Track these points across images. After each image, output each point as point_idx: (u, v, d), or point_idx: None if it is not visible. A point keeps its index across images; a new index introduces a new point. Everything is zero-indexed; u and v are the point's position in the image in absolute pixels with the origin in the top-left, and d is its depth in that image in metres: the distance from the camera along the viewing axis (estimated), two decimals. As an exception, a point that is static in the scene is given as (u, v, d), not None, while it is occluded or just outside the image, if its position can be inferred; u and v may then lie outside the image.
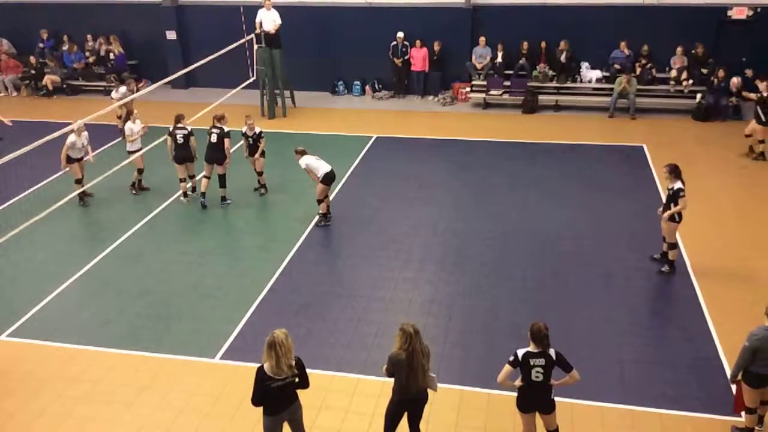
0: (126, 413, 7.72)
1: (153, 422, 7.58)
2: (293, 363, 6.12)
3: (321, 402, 7.71)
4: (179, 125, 12.60)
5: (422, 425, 6.73)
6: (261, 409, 6.35)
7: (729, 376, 6.93)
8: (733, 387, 7.77)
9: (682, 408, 7.52)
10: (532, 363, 6.21)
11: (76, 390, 8.11)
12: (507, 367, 6.29)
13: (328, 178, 11.72)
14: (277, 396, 6.17)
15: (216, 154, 12.50)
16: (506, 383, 6.37)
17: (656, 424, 7.33)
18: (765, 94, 14.12)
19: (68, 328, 9.37)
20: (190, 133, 12.64)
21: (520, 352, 6.25)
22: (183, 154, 12.70)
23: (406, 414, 6.58)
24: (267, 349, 6.03)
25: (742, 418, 7.21)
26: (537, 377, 6.26)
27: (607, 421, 7.37)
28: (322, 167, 11.68)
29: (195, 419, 7.61)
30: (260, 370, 6.12)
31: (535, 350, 6.23)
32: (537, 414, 6.57)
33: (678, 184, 9.80)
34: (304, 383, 6.32)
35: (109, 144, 16.39)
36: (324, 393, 7.84)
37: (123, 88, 16.14)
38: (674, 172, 9.88)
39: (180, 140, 12.58)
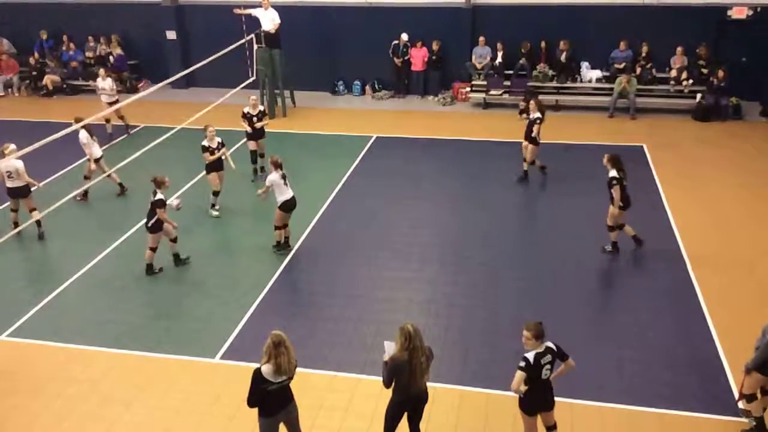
0: (125, 413, 7.73)
1: (152, 422, 7.59)
2: (294, 360, 6.14)
3: (321, 402, 7.71)
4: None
5: (422, 425, 6.73)
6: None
7: (746, 366, 6.90)
8: (734, 388, 7.84)
9: (681, 408, 7.52)
10: (542, 362, 6.22)
11: (75, 390, 8.12)
12: (521, 374, 6.20)
13: (287, 206, 10.85)
14: (274, 398, 6.18)
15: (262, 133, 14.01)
16: (520, 390, 6.31)
17: (656, 424, 7.33)
18: (535, 115, 13.15)
19: (68, 328, 9.38)
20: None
21: (531, 356, 6.21)
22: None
23: (406, 414, 6.58)
24: (273, 348, 6.01)
25: (744, 419, 7.23)
26: (546, 374, 6.27)
27: (606, 421, 7.37)
28: (285, 193, 10.78)
29: (194, 419, 7.61)
30: (257, 372, 6.11)
31: (541, 349, 6.23)
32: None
33: (612, 173, 10.25)
34: None
35: (109, 144, 16.39)
36: (324, 393, 7.84)
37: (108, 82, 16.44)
38: (611, 161, 10.36)
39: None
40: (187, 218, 12.66)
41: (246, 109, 13.73)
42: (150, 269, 10.67)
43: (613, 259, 10.66)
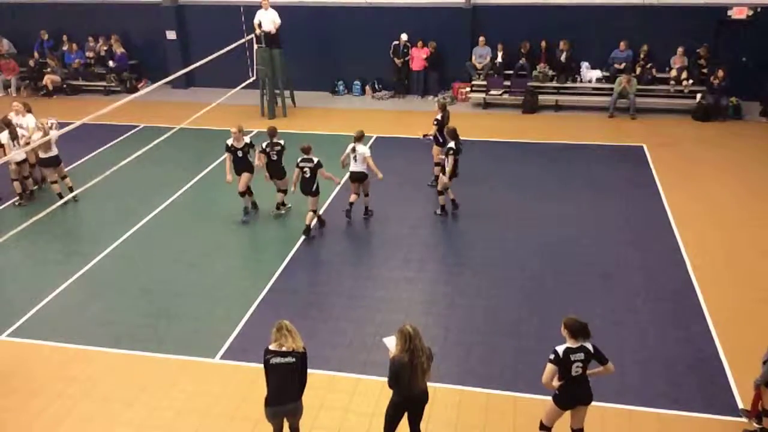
0: (125, 413, 7.72)
1: (153, 422, 7.59)
2: (301, 345, 6.24)
3: (321, 402, 7.70)
4: (274, 141, 11.94)
5: (422, 425, 6.72)
6: (261, 408, 6.37)
7: (754, 383, 6.89)
8: (734, 387, 7.84)
9: (681, 408, 7.52)
10: (572, 358, 6.20)
11: (75, 390, 8.11)
12: (550, 367, 6.20)
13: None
14: (277, 380, 6.21)
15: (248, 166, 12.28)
16: (550, 384, 6.30)
17: (656, 424, 7.34)
18: (439, 117, 13.00)
19: (68, 328, 9.37)
20: (283, 148, 12.03)
21: (560, 349, 6.19)
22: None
23: (406, 414, 6.58)
24: (276, 332, 6.22)
25: (744, 419, 7.24)
26: (577, 371, 6.25)
27: (606, 421, 7.37)
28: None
29: (195, 419, 7.61)
30: (265, 349, 6.28)
31: (575, 345, 6.21)
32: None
33: (450, 144, 11.62)
34: (302, 375, 6.38)
35: (108, 144, 16.40)
36: (324, 393, 7.84)
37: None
38: (450, 133, 11.77)
39: (274, 157, 11.96)
40: (187, 219, 12.68)
41: (229, 141, 11.94)
42: (308, 230, 11.54)
43: (612, 259, 10.64)
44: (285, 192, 12.28)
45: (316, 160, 11.38)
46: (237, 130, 11.87)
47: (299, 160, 11.43)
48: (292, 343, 6.18)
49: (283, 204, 12.48)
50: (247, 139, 12.06)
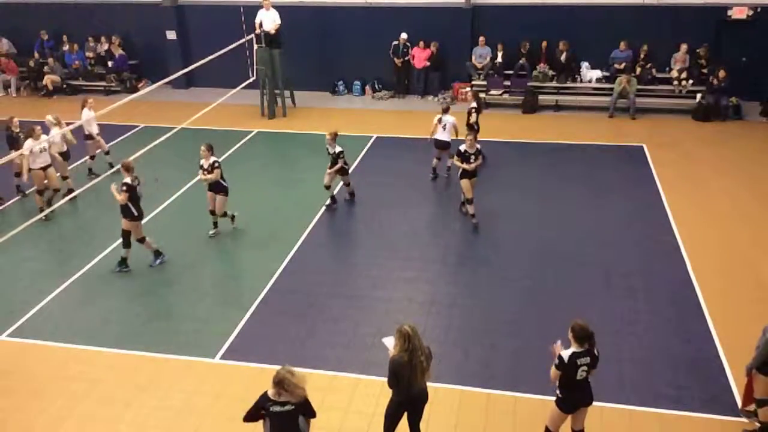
0: (126, 413, 7.73)
1: (153, 422, 7.59)
2: (301, 394, 6.03)
3: (321, 402, 7.68)
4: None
5: (422, 425, 6.72)
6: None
7: (746, 368, 6.92)
8: (734, 387, 7.83)
9: (681, 408, 7.52)
10: (579, 363, 6.19)
11: (76, 390, 8.12)
12: (555, 370, 6.26)
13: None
14: (275, 426, 6.10)
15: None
16: (556, 382, 6.38)
17: (656, 424, 7.34)
18: (475, 104, 14.17)
19: (68, 328, 9.38)
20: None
21: (566, 355, 6.18)
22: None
23: (406, 414, 6.58)
24: (276, 383, 5.96)
25: (744, 418, 7.24)
26: (582, 375, 6.26)
27: (606, 421, 7.37)
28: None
29: (195, 419, 7.61)
30: (264, 394, 6.04)
31: (580, 350, 6.20)
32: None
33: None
34: (310, 413, 6.20)
35: (108, 144, 16.37)
36: (324, 393, 7.84)
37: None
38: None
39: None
40: (187, 219, 12.67)
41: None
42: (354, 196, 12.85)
43: (612, 259, 10.64)
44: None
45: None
46: (124, 168, 10.37)
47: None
48: (290, 398, 5.95)
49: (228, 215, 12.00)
50: (127, 180, 10.32)
